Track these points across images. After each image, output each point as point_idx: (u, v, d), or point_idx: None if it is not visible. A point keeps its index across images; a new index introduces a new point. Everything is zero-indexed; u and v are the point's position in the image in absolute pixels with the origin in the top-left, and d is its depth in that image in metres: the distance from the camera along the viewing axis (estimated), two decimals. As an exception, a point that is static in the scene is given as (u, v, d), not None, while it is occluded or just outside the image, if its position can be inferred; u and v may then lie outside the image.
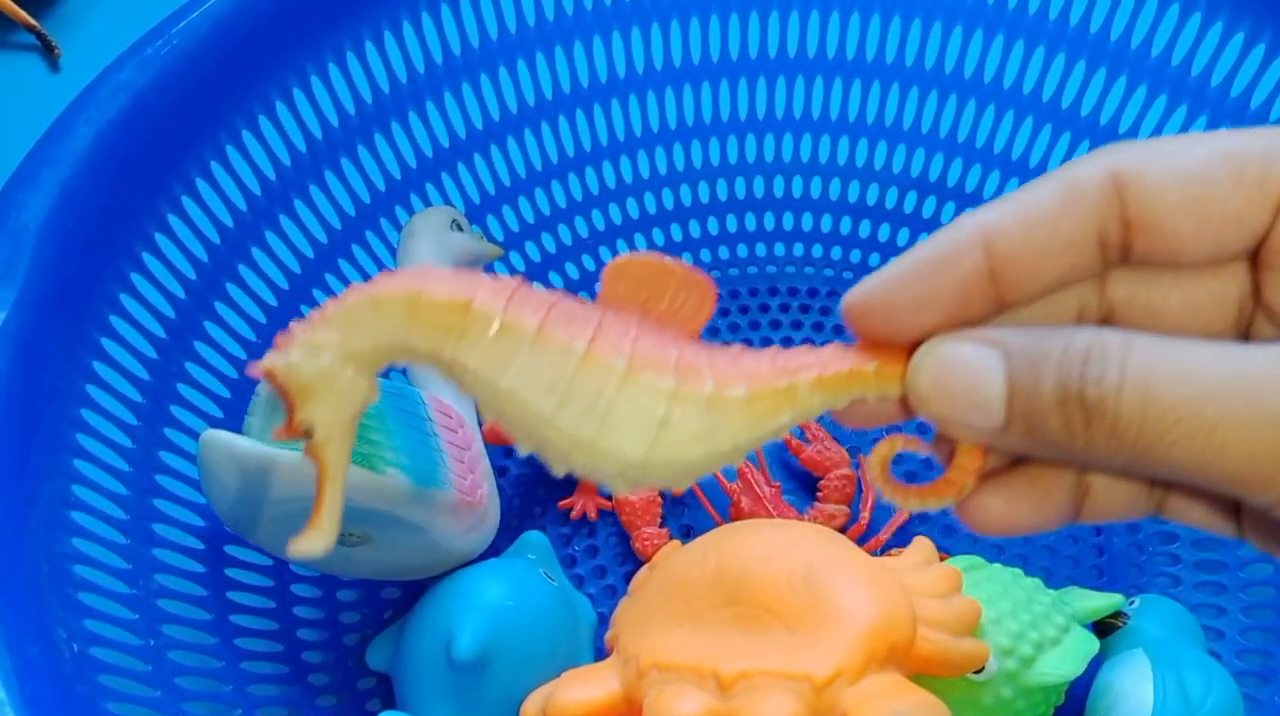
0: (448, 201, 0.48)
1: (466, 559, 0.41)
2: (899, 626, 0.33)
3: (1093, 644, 0.38)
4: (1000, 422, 0.19)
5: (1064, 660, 0.37)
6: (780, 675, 0.32)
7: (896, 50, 0.48)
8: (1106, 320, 0.21)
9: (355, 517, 0.36)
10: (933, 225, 0.52)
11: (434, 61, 0.45)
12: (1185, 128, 0.44)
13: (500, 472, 0.48)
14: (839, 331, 0.50)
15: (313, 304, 0.44)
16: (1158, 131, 0.45)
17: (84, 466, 0.35)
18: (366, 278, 0.31)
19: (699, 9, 0.48)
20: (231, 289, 0.42)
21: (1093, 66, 0.45)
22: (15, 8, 0.58)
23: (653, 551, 0.43)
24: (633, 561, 0.45)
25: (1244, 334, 0.20)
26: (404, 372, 0.46)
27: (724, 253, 0.54)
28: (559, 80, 0.48)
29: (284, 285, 0.44)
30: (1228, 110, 0.43)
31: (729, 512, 0.45)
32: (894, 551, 0.39)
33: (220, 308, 0.42)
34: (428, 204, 0.48)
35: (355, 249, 0.46)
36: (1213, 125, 0.44)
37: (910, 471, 0.47)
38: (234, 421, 0.40)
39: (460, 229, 0.45)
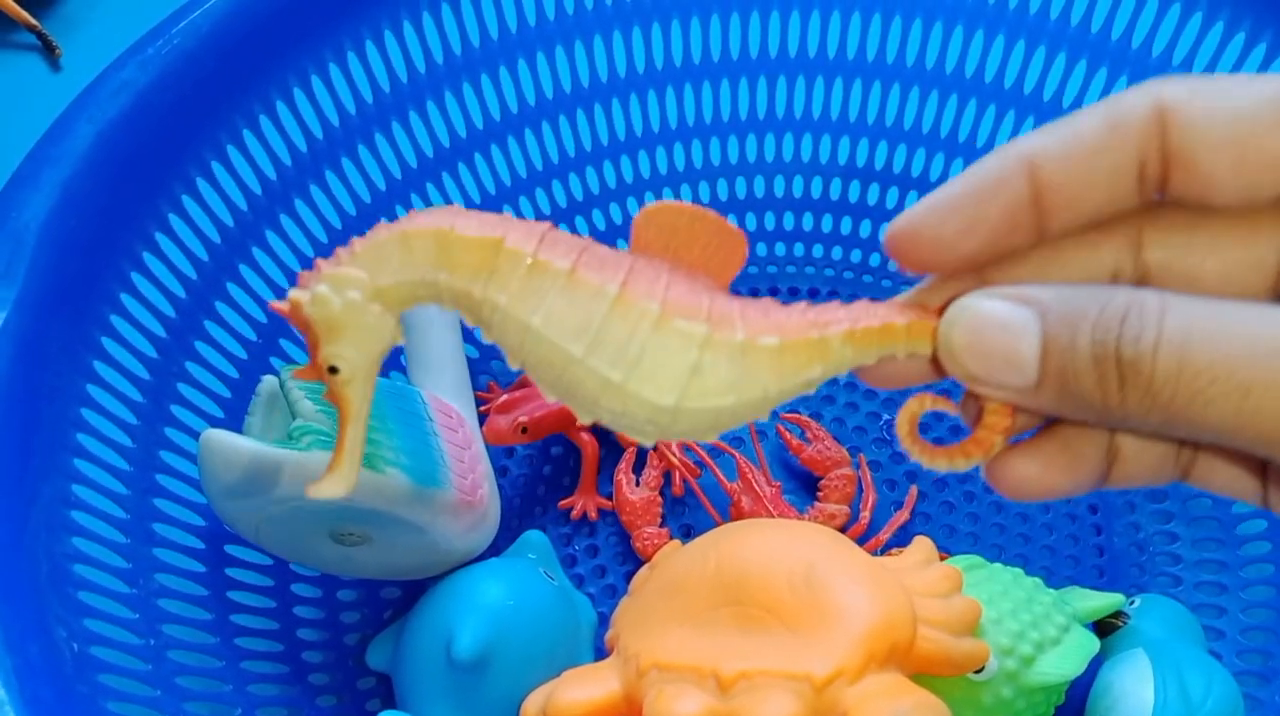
0: (448, 201, 0.48)
1: (467, 558, 0.41)
2: (899, 626, 0.33)
3: (1093, 643, 0.38)
4: (1032, 381, 0.19)
5: (1064, 660, 0.37)
6: (780, 675, 0.32)
7: (897, 50, 0.48)
8: (1141, 284, 0.21)
9: (355, 517, 0.36)
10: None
11: (434, 61, 0.45)
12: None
13: (501, 472, 0.48)
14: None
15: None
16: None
17: (84, 466, 0.35)
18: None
19: (699, 8, 0.48)
20: (232, 289, 0.42)
21: (1094, 66, 0.45)
22: (16, 8, 0.58)
23: (653, 551, 0.43)
24: (633, 561, 0.45)
25: None
26: (404, 372, 0.46)
27: (724, 252, 0.54)
28: (559, 80, 0.48)
29: (285, 285, 0.44)
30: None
31: (729, 512, 0.45)
32: (894, 551, 0.39)
33: (221, 307, 0.42)
34: (428, 204, 0.48)
35: (356, 248, 0.46)
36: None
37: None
38: (234, 421, 0.40)
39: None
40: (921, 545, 0.37)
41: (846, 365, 0.20)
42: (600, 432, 0.47)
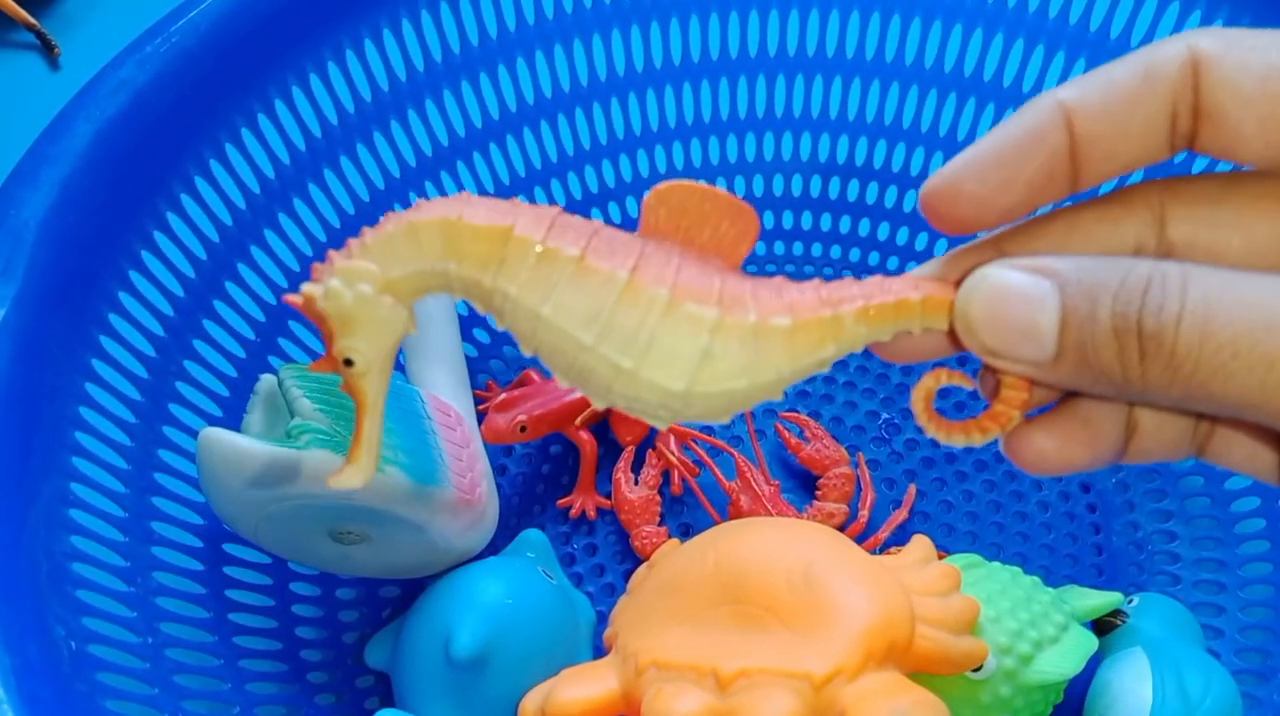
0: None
1: (465, 557, 0.41)
2: (898, 624, 0.33)
3: (1091, 642, 0.38)
4: (1051, 354, 0.18)
5: (1063, 658, 0.37)
6: (779, 673, 0.32)
7: (896, 48, 0.48)
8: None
9: (353, 515, 0.36)
10: (932, 224, 0.52)
11: (433, 59, 0.45)
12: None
13: (499, 471, 0.48)
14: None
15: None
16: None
17: (83, 464, 0.35)
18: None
19: (699, 7, 0.48)
20: (231, 287, 0.42)
21: (1092, 63, 0.45)
22: (15, 7, 0.58)
23: (651, 549, 0.43)
24: (631, 559, 0.45)
25: None
26: (402, 371, 0.46)
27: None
28: (558, 79, 0.48)
29: (283, 283, 0.44)
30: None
31: (728, 511, 0.45)
32: (893, 550, 0.39)
33: (219, 306, 0.42)
34: (427, 202, 0.47)
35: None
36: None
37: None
38: (233, 420, 0.40)
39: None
40: (920, 543, 0.37)
41: (861, 343, 0.20)
42: (599, 431, 0.47)
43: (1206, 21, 0.42)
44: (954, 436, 0.21)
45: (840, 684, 0.32)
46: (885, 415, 0.49)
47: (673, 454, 0.46)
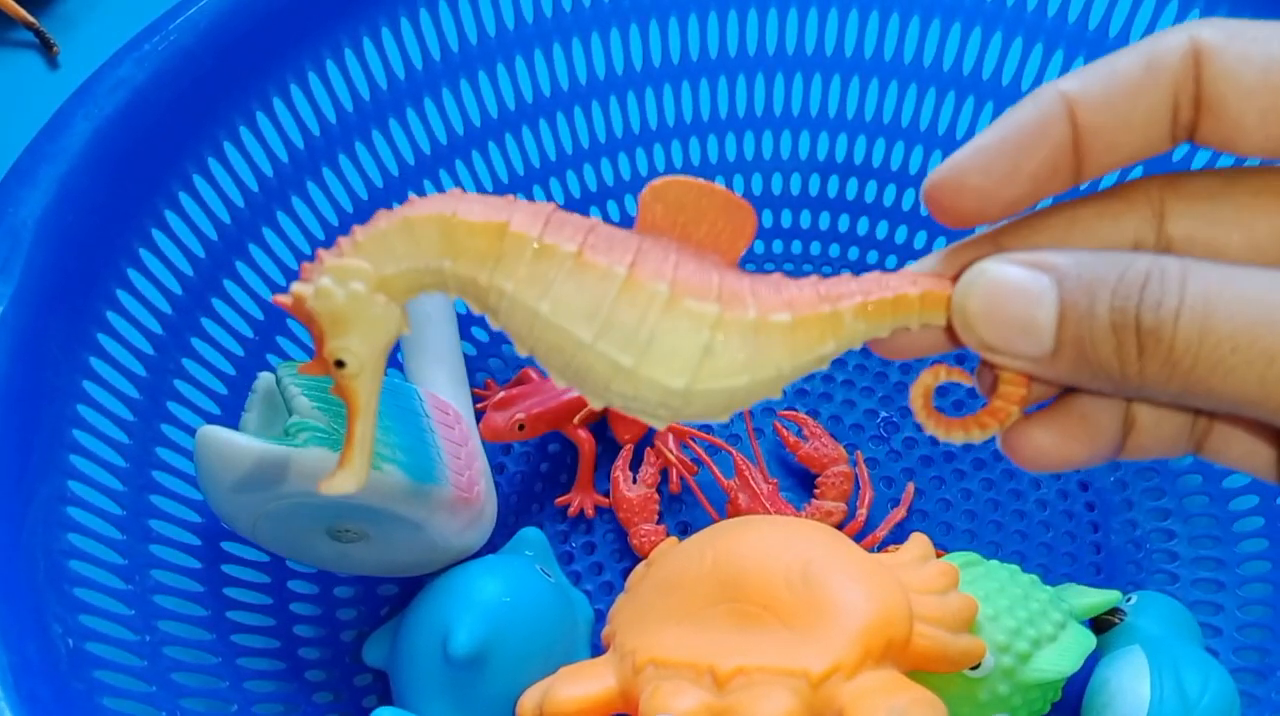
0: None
1: (463, 555, 0.41)
2: (896, 622, 0.33)
3: (1090, 640, 0.38)
4: (1048, 350, 0.18)
5: (1061, 656, 0.37)
6: (777, 671, 0.32)
7: (895, 47, 0.48)
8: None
9: (352, 513, 0.36)
10: (932, 222, 0.52)
11: (432, 58, 0.45)
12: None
13: (498, 470, 0.48)
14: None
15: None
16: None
17: (81, 462, 0.35)
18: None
19: (698, 6, 0.48)
20: (229, 286, 0.42)
21: (1091, 61, 0.45)
22: (14, 5, 0.58)
23: (650, 548, 0.43)
24: (630, 558, 0.45)
25: None
26: (400, 369, 0.46)
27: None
28: (557, 77, 0.48)
29: (282, 282, 0.44)
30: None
31: (726, 509, 0.45)
32: (891, 548, 0.39)
33: (217, 304, 0.42)
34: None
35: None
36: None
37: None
38: (231, 418, 0.40)
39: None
40: (918, 542, 0.37)
41: (860, 339, 0.20)
42: (597, 430, 0.47)
43: (1207, 16, 0.42)
44: (952, 433, 0.21)
45: (838, 682, 0.32)
46: (884, 413, 0.49)
47: (671, 452, 0.46)
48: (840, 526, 0.44)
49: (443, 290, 0.20)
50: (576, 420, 0.46)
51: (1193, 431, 0.21)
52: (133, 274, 0.38)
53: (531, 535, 0.43)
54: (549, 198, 0.51)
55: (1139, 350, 0.17)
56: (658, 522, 0.45)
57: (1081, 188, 0.21)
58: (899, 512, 0.46)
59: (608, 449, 0.47)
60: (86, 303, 0.36)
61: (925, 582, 0.35)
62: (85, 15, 0.61)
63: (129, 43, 0.37)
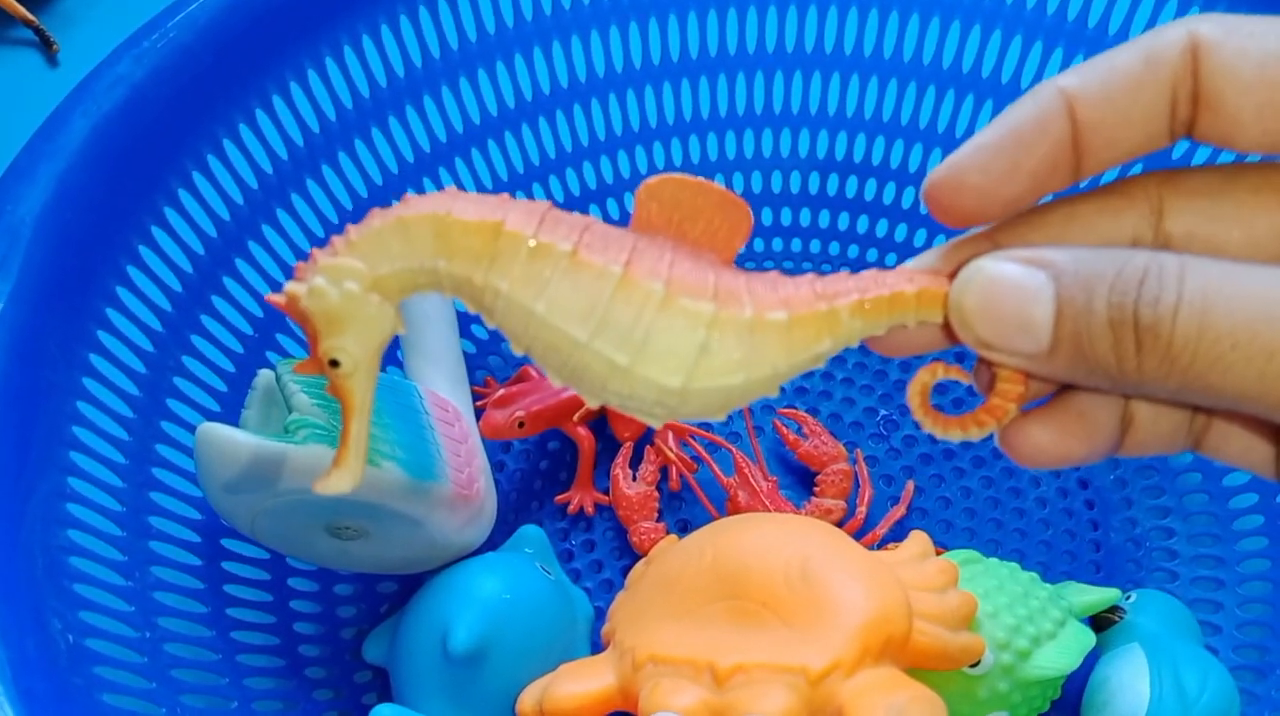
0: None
1: (463, 553, 0.41)
2: (895, 620, 0.33)
3: (1089, 638, 0.38)
4: (1045, 347, 0.18)
5: (1060, 654, 0.37)
6: (776, 668, 0.32)
7: (894, 44, 0.48)
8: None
9: (351, 511, 0.36)
10: (931, 220, 0.52)
11: (431, 55, 0.45)
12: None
13: (498, 467, 0.48)
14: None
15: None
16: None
17: (80, 459, 0.35)
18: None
19: (697, 4, 0.48)
20: (228, 283, 0.42)
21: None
22: (14, 4, 0.58)
23: (649, 545, 0.43)
24: (630, 556, 0.45)
25: None
26: (400, 367, 0.46)
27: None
28: (556, 75, 0.48)
29: (281, 280, 0.44)
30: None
31: (726, 507, 0.45)
32: (890, 546, 0.39)
33: (216, 302, 0.42)
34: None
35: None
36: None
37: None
38: (231, 415, 0.40)
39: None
40: (917, 539, 0.37)
41: (856, 337, 0.20)
42: (597, 428, 0.47)
43: (1205, 12, 0.42)
44: (950, 431, 0.21)
45: (837, 679, 0.32)
46: (883, 411, 0.49)
47: (671, 450, 0.46)
48: (840, 524, 0.44)
49: (437, 290, 0.20)
50: (576, 418, 0.46)
51: (1191, 428, 0.21)
52: (132, 271, 0.38)
53: (531, 532, 0.43)
54: (548, 196, 0.51)
55: (1137, 346, 0.17)
56: (657, 520, 0.45)
57: (1080, 185, 0.21)
58: (898, 510, 0.46)
59: (607, 447, 0.47)
60: (85, 300, 0.36)
61: (924, 580, 0.35)
62: (85, 13, 0.61)
63: (128, 40, 0.37)
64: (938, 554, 0.38)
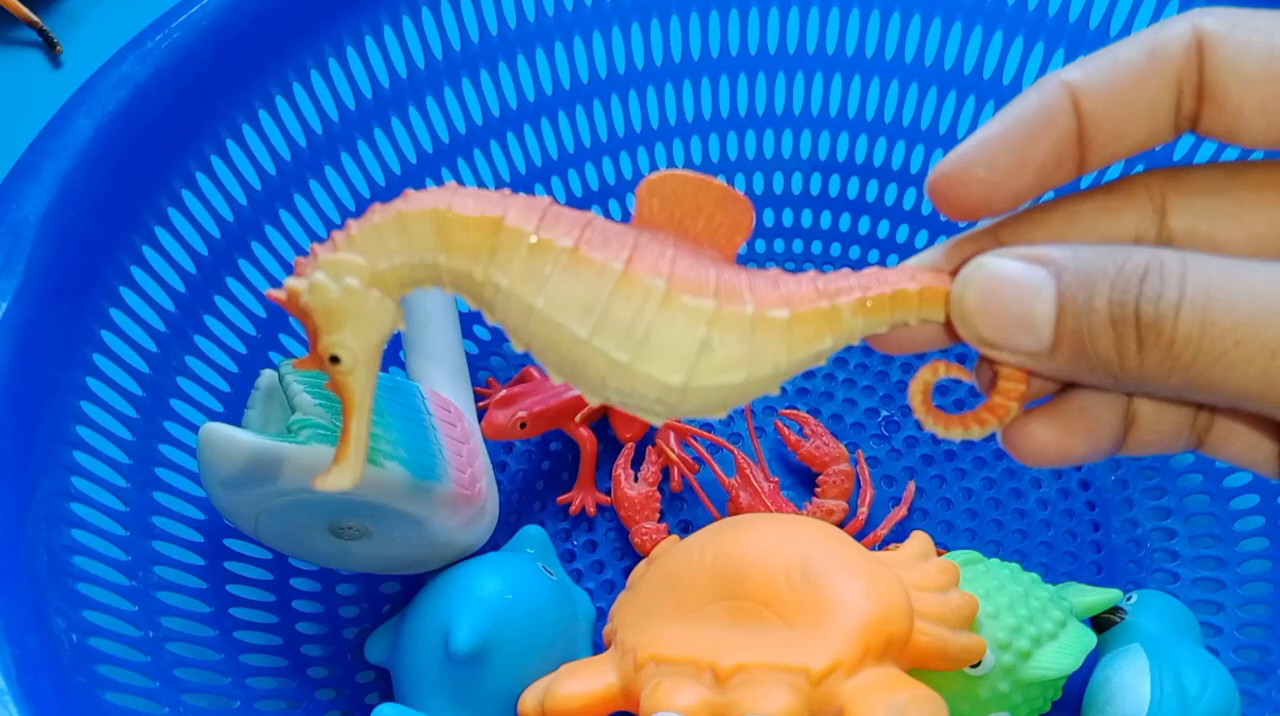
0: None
1: (465, 553, 0.41)
2: (896, 620, 0.33)
3: (1090, 639, 0.38)
4: (1047, 344, 0.18)
5: (1061, 654, 0.37)
6: (777, 667, 0.32)
7: (896, 46, 0.48)
8: None
9: (353, 510, 0.36)
10: (933, 220, 0.52)
11: (434, 55, 0.45)
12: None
13: (499, 467, 0.48)
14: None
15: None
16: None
17: (84, 458, 0.35)
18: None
19: (699, 4, 0.48)
20: (231, 283, 0.42)
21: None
22: (17, 4, 0.58)
23: (651, 546, 0.43)
24: (631, 556, 0.45)
25: None
26: (402, 367, 0.46)
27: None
28: (559, 75, 0.48)
29: (284, 279, 0.44)
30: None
31: (727, 508, 0.45)
32: (892, 546, 0.39)
33: (220, 301, 0.42)
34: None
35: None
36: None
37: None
38: (234, 415, 0.40)
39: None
40: (919, 540, 0.38)
41: (858, 334, 0.20)
42: (599, 428, 0.47)
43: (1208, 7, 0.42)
44: (951, 429, 0.21)
45: (838, 679, 0.32)
46: (885, 412, 0.49)
47: (672, 451, 0.46)
48: (841, 525, 0.44)
49: (438, 285, 0.20)
50: (578, 418, 0.46)
51: (1194, 426, 0.21)
52: (135, 271, 0.38)
53: (533, 532, 0.43)
54: (550, 196, 0.51)
55: (1138, 343, 0.17)
56: (659, 521, 0.45)
57: (1084, 180, 0.21)
58: (900, 511, 0.46)
59: (609, 447, 0.47)
60: (89, 299, 0.36)
61: (926, 580, 0.35)
62: (88, 14, 0.61)
63: (131, 40, 0.37)
64: (939, 554, 0.38)
